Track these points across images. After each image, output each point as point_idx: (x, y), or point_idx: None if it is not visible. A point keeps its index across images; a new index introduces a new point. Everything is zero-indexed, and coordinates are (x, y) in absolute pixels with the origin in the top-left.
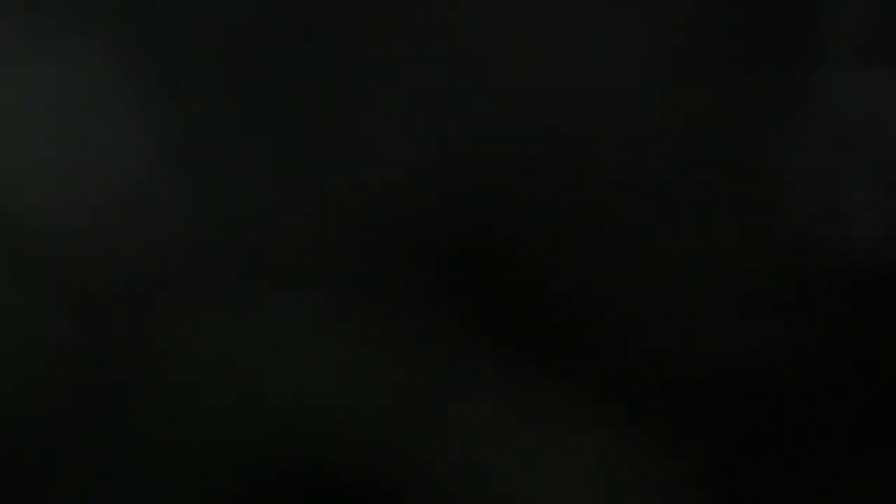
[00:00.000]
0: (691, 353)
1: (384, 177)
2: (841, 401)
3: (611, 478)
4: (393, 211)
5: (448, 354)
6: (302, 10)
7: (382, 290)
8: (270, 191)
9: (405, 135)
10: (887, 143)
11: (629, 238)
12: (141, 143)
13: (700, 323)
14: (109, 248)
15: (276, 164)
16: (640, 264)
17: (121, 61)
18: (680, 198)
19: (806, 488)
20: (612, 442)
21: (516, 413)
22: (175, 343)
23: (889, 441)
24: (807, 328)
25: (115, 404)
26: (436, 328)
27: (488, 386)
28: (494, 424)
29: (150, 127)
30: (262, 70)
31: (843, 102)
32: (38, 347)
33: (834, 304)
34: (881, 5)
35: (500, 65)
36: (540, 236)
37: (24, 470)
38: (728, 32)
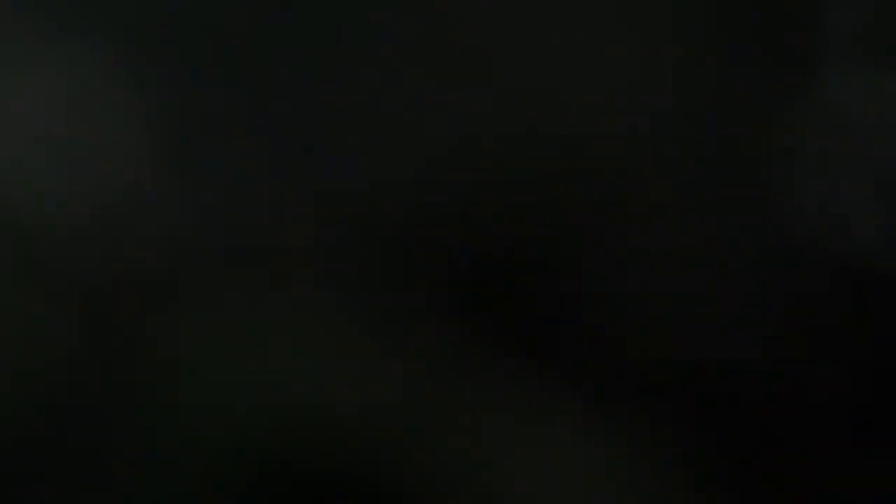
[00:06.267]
0: (692, 353)
1: (386, 177)
2: (841, 401)
3: (611, 478)
4: (394, 211)
5: (448, 354)
6: (302, 10)
7: (383, 290)
8: (271, 190)
9: (407, 135)
10: (887, 144)
11: (629, 238)
12: (141, 143)
13: (701, 323)
14: (109, 247)
15: (276, 163)
16: (641, 265)
17: (121, 61)
18: (680, 198)
19: (806, 488)
20: (612, 442)
21: (517, 413)
22: (176, 342)
23: (889, 441)
24: (807, 328)
25: (115, 404)
26: (436, 328)
27: (488, 386)
28: (495, 424)
29: (150, 126)
30: (263, 70)
31: (843, 102)
32: (39, 346)
33: (834, 304)
34: (881, 5)
35: (501, 66)
36: (540, 236)
37: (24, 470)
38: (728, 32)
